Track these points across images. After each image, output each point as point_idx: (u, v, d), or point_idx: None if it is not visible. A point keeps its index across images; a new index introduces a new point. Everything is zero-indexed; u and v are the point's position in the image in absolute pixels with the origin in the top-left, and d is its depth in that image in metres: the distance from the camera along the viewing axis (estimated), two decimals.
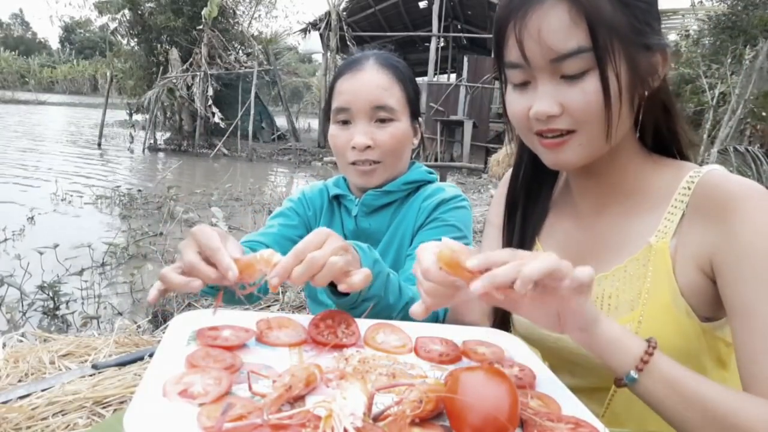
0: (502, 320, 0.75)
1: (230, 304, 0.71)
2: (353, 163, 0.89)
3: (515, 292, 0.43)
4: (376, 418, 0.41)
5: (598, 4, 0.53)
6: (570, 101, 0.56)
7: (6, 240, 4.01)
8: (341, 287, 0.58)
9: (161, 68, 11.62)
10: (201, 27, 11.12)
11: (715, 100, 6.26)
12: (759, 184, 0.58)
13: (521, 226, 0.75)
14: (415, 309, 0.53)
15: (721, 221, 0.56)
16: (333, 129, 0.91)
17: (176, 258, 0.61)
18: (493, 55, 0.63)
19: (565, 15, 0.54)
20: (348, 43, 11.42)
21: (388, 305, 0.70)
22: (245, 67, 11.67)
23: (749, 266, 0.53)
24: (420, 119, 0.96)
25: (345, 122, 0.89)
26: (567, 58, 0.54)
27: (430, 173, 0.97)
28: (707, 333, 0.60)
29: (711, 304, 0.59)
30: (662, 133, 0.66)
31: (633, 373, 0.50)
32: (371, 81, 0.87)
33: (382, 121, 0.88)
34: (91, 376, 0.84)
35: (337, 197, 0.98)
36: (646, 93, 0.59)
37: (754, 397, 0.51)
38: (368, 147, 0.87)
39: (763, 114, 6.31)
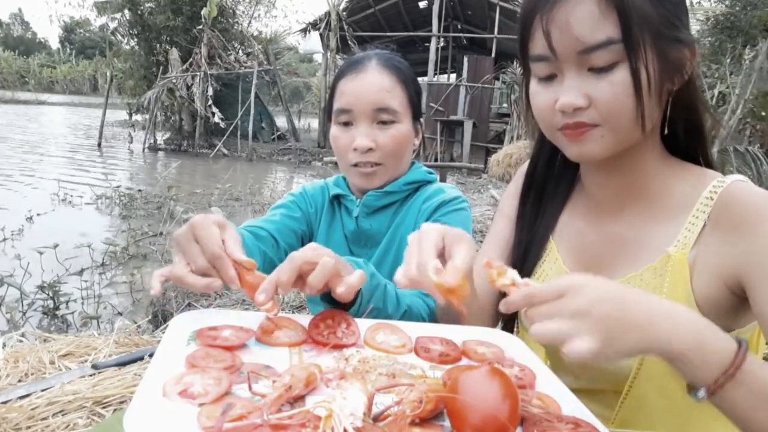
0: (510, 316, 0.74)
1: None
2: (355, 165, 0.88)
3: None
4: (376, 418, 0.41)
5: (625, 1, 0.52)
6: (597, 94, 0.55)
7: (6, 240, 4.01)
8: (339, 290, 0.57)
9: (161, 68, 11.62)
10: (201, 27, 11.12)
11: (714, 100, 6.26)
12: None
13: (534, 222, 0.74)
14: (398, 279, 0.53)
15: (745, 234, 0.55)
16: (334, 130, 0.90)
17: (172, 247, 0.60)
18: (518, 49, 0.62)
19: (594, 6, 0.53)
20: (349, 42, 11.41)
21: (387, 316, 0.70)
22: (245, 67, 11.67)
23: None
24: (421, 120, 0.96)
25: (347, 123, 0.88)
26: (596, 49, 0.53)
27: (430, 173, 0.97)
28: None
29: (728, 316, 0.59)
30: (688, 134, 0.64)
31: (701, 393, 0.45)
32: (374, 83, 0.86)
33: (384, 122, 0.87)
34: (91, 376, 0.84)
35: (337, 197, 0.98)
36: (674, 89, 0.58)
37: None
38: (370, 149, 0.87)
39: (763, 114, 6.30)
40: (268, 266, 0.83)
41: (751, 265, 0.54)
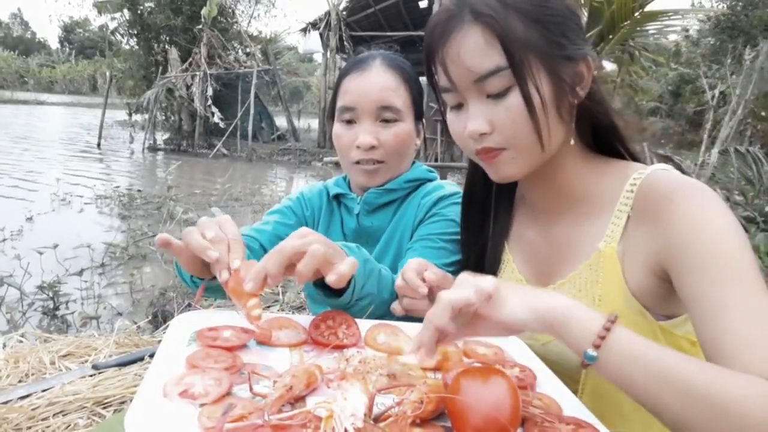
0: None
1: (213, 296, 0.73)
2: (357, 162, 0.89)
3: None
4: (377, 419, 0.41)
5: (509, 24, 0.57)
6: (497, 119, 0.59)
7: (5, 240, 4.01)
8: (329, 278, 0.56)
9: (160, 68, 11.59)
10: (200, 26, 11.10)
11: (715, 101, 6.26)
12: (692, 179, 0.60)
13: (479, 239, 0.77)
14: (395, 306, 0.64)
15: (662, 220, 0.57)
16: (338, 128, 0.91)
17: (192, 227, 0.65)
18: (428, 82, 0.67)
19: (479, 38, 0.57)
20: (345, 43, 11.40)
21: (383, 301, 0.70)
22: (245, 67, 11.65)
23: (692, 257, 0.53)
24: (423, 121, 0.96)
25: (350, 121, 0.89)
26: (487, 77, 0.58)
27: (430, 172, 0.98)
28: (666, 332, 0.61)
29: (667, 303, 0.60)
30: (606, 134, 0.67)
31: (591, 351, 0.46)
32: (378, 81, 0.87)
33: (387, 121, 0.88)
34: (91, 376, 0.84)
35: (337, 197, 0.98)
36: (576, 101, 0.61)
37: (731, 371, 0.46)
38: (373, 146, 0.87)
39: (763, 114, 6.31)
40: None
41: (669, 249, 0.56)
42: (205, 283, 0.68)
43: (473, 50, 0.57)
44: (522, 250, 0.74)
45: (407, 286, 0.63)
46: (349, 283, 0.63)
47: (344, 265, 0.57)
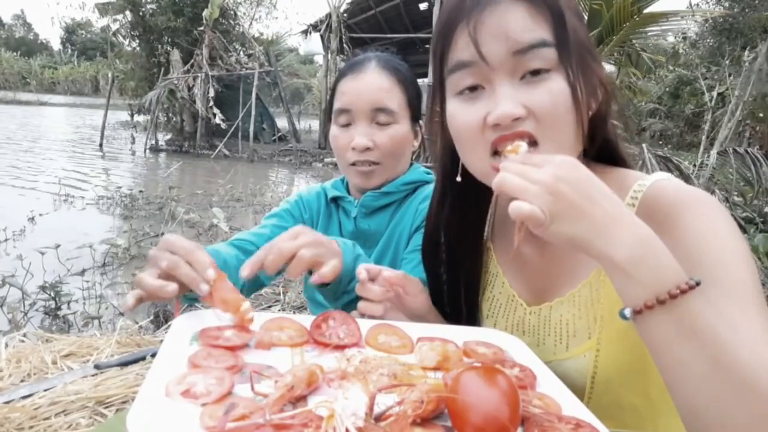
0: (468, 316, 0.73)
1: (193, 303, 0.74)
2: (353, 164, 0.90)
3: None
4: (378, 418, 0.41)
5: (559, 4, 0.55)
6: (535, 102, 0.53)
7: (7, 240, 4.02)
8: (312, 278, 0.63)
9: (162, 69, 11.62)
10: (202, 28, 11.13)
11: (713, 102, 6.27)
12: (695, 189, 0.57)
13: (452, 257, 0.71)
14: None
15: (665, 234, 0.53)
16: (334, 130, 0.92)
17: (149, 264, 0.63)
18: (433, 65, 0.60)
19: (525, 12, 0.54)
20: (344, 45, 11.43)
21: None
22: (246, 69, 11.68)
23: (702, 270, 0.51)
24: (420, 122, 0.97)
25: (346, 123, 0.90)
26: (531, 49, 0.52)
27: (428, 173, 0.98)
28: None
29: None
30: (606, 145, 0.64)
31: (627, 313, 0.44)
32: (372, 83, 0.87)
33: (382, 123, 0.88)
34: (93, 376, 0.84)
35: (335, 199, 0.98)
36: (592, 111, 0.59)
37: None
38: (368, 148, 0.88)
39: (762, 115, 6.32)
40: (253, 282, 0.87)
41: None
42: (180, 298, 0.69)
43: (519, 21, 0.53)
44: (515, 266, 0.70)
45: (362, 286, 0.63)
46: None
47: (327, 267, 0.63)
